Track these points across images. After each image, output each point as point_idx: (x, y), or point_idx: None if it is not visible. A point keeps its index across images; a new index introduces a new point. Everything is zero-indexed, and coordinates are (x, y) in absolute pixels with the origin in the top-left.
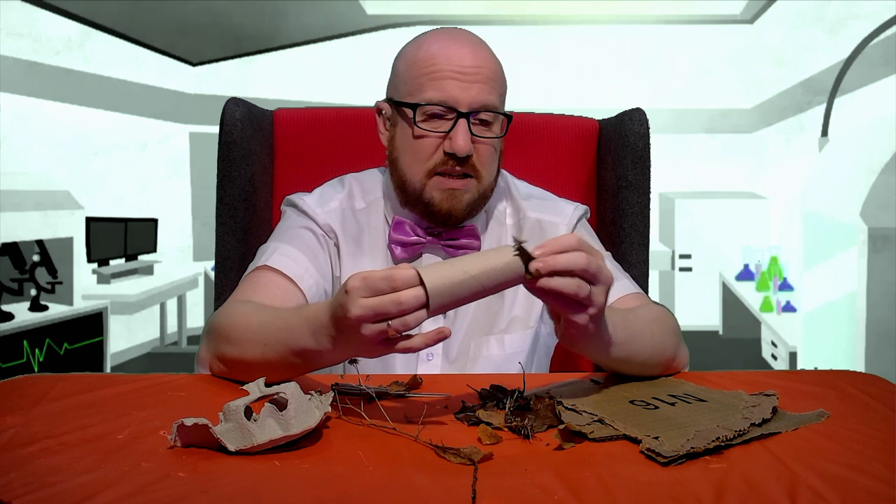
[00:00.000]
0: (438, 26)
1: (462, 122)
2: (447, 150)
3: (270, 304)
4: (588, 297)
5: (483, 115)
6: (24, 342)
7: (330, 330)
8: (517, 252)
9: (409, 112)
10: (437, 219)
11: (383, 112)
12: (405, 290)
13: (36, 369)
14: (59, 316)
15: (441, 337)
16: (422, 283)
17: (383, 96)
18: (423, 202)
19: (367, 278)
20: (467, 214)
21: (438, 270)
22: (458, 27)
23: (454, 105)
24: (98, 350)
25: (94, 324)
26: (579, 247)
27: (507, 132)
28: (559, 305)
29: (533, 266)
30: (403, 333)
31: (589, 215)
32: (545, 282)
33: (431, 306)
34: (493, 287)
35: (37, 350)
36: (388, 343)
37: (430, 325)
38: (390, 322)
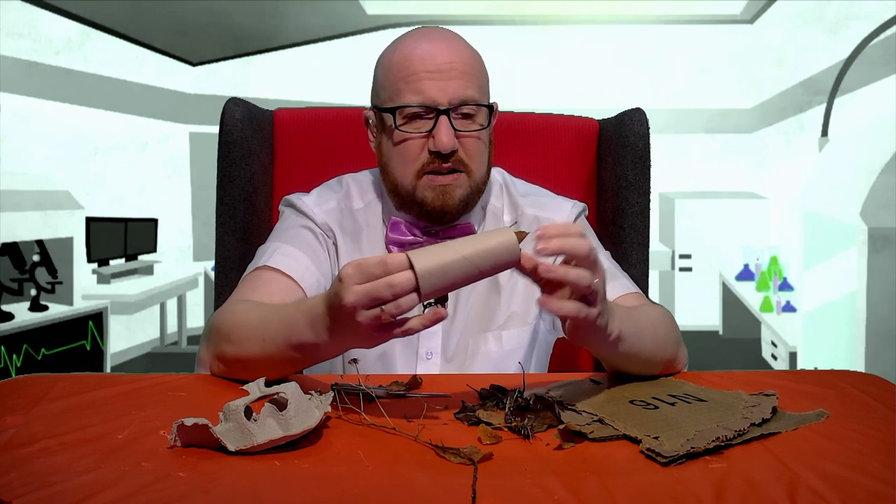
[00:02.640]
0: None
1: (443, 118)
2: (431, 148)
3: (271, 303)
4: (591, 289)
5: (464, 109)
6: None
7: (327, 321)
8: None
9: (391, 117)
10: (433, 217)
11: (370, 121)
12: (397, 273)
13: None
14: (59, 316)
15: (437, 318)
16: (412, 266)
17: (371, 95)
18: (417, 203)
19: (360, 264)
20: (462, 210)
21: (430, 252)
22: (435, 26)
23: (433, 105)
24: (98, 350)
25: (94, 324)
26: (582, 234)
27: (491, 123)
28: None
29: (538, 247)
30: (399, 318)
31: (587, 213)
32: (550, 271)
33: (422, 288)
34: (488, 269)
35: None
36: (384, 329)
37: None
38: (384, 307)
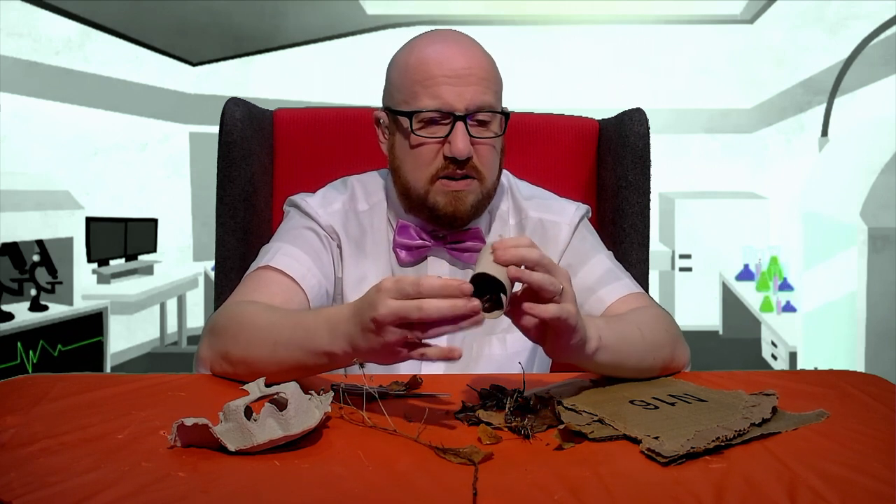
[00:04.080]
0: (435, 27)
1: (459, 125)
2: (447, 154)
3: (272, 303)
4: (554, 291)
5: (480, 116)
6: (19, 343)
7: (349, 327)
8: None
9: (406, 121)
10: (443, 222)
11: (381, 121)
12: (428, 299)
13: (30, 370)
14: (59, 316)
15: (452, 356)
16: None
17: (383, 96)
18: (428, 207)
19: (399, 280)
20: (472, 216)
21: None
22: (449, 28)
23: (450, 110)
24: (98, 350)
25: (94, 324)
26: (532, 244)
27: (506, 130)
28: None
29: (495, 255)
30: (423, 341)
31: (590, 214)
32: (517, 273)
33: None
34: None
35: (31, 351)
36: (405, 347)
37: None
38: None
